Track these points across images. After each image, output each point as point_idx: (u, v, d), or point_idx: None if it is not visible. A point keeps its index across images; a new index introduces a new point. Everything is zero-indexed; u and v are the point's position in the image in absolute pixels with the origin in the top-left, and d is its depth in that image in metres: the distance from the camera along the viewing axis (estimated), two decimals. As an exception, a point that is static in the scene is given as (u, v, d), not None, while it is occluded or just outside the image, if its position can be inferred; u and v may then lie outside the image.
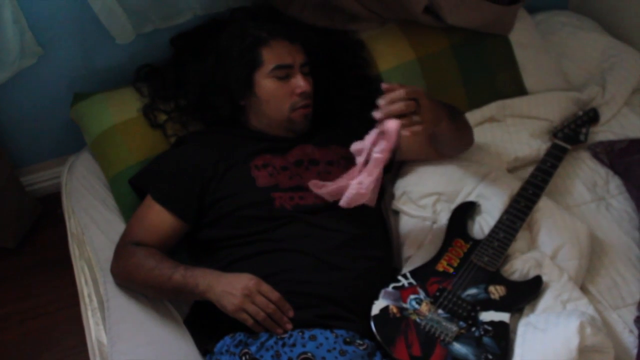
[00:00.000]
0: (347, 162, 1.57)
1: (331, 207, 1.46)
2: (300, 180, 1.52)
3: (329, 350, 1.26)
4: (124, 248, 1.50)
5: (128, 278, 1.48)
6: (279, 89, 1.56)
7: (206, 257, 1.51)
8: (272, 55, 1.57)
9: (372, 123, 1.71)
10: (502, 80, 1.93)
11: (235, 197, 1.50)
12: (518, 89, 1.94)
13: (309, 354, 1.25)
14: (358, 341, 1.31)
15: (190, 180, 1.53)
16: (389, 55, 1.86)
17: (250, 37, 1.59)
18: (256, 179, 1.51)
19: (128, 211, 1.69)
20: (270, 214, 1.46)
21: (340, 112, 1.73)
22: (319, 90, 1.65)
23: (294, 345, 1.28)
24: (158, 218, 1.50)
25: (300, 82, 1.56)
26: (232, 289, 1.31)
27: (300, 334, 1.30)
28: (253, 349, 1.28)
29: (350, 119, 1.71)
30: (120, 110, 1.76)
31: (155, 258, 1.43)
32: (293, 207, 1.47)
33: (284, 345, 1.28)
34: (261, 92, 1.58)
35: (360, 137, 1.59)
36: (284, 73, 1.56)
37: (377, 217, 1.59)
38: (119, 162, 1.72)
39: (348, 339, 1.30)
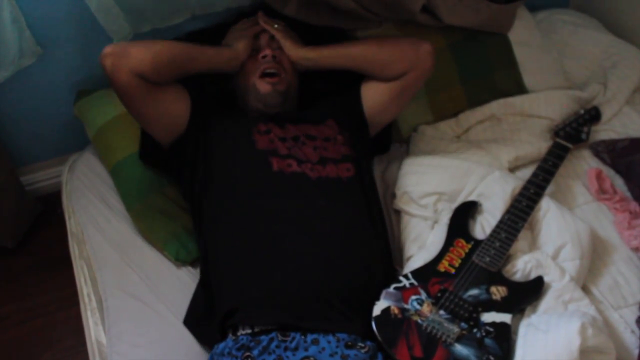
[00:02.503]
0: (344, 139, 1.59)
1: (325, 186, 1.48)
2: (298, 152, 1.52)
3: (331, 355, 1.27)
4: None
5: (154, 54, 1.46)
6: (250, 63, 1.62)
7: (206, 229, 1.51)
8: None
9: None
10: (501, 78, 1.93)
11: (232, 155, 1.52)
12: (518, 88, 1.94)
13: (312, 359, 1.26)
14: (360, 344, 1.31)
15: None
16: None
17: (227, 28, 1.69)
18: (256, 142, 1.52)
19: (129, 200, 1.70)
20: (268, 176, 1.47)
21: (330, 89, 1.74)
22: (310, 77, 1.69)
23: (296, 349, 1.28)
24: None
25: (264, 47, 1.63)
26: None
27: (303, 337, 1.30)
28: (255, 352, 1.27)
29: (341, 93, 1.71)
30: None
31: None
32: (290, 173, 1.48)
33: (286, 349, 1.28)
34: (238, 71, 1.64)
35: (349, 109, 1.63)
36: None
37: (375, 213, 1.59)
38: (122, 150, 1.73)
39: (350, 343, 1.30)
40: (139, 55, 1.42)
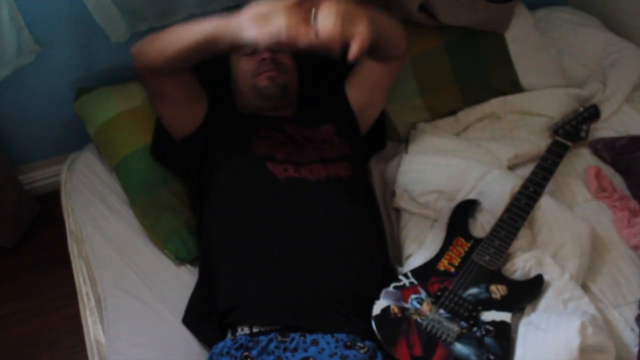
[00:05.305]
0: (341, 140, 1.59)
1: (325, 187, 1.47)
2: (298, 156, 1.52)
3: (330, 355, 1.27)
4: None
5: (158, 53, 1.37)
6: (246, 62, 1.62)
7: (207, 228, 1.51)
8: None
9: None
10: (497, 78, 1.92)
11: (230, 157, 1.52)
12: (513, 87, 1.93)
13: (311, 359, 1.25)
14: (359, 344, 1.31)
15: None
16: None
17: None
18: (254, 145, 1.52)
19: (134, 194, 1.70)
20: (264, 180, 1.47)
21: (326, 92, 1.73)
22: (305, 75, 1.69)
23: (295, 349, 1.28)
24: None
25: (262, 50, 1.59)
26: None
27: (302, 338, 1.30)
28: (254, 352, 1.27)
29: (336, 96, 1.70)
30: (126, 99, 1.78)
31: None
32: (285, 178, 1.47)
33: (285, 349, 1.28)
34: (235, 71, 1.66)
35: (341, 110, 1.63)
36: (250, 48, 1.59)
37: (374, 213, 1.58)
38: (125, 146, 1.73)
39: (349, 343, 1.30)
40: (153, 56, 1.38)
